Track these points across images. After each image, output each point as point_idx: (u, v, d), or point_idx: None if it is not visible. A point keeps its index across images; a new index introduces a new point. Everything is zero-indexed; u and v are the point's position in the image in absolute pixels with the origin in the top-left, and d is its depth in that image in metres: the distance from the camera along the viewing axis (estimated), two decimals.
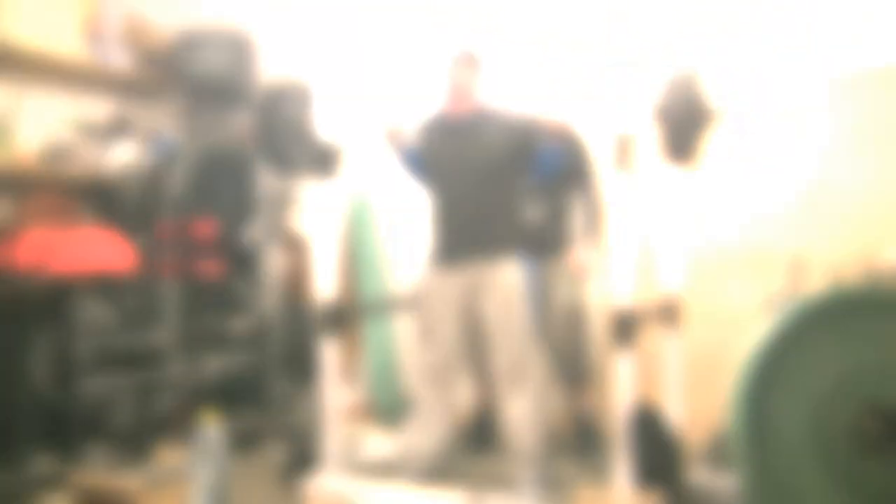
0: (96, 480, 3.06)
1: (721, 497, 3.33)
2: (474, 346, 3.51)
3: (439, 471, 3.52)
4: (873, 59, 3.92)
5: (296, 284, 5.05)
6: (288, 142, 3.74)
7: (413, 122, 3.62)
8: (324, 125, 3.52)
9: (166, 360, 4.02)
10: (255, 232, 4.69)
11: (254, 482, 3.57)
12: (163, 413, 4.12)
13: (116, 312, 4.05)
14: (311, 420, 3.56)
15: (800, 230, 4.07)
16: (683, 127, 3.12)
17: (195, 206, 4.34)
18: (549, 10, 4.54)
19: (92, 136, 4.84)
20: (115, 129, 4.76)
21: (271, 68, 5.12)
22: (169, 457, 3.31)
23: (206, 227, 3.98)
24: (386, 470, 3.60)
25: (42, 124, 4.80)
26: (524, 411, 3.30)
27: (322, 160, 3.52)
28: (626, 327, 3.05)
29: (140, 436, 3.78)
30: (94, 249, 3.78)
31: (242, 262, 4.20)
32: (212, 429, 2.73)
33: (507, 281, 3.33)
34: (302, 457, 3.54)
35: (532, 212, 3.72)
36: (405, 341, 4.73)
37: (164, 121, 5.30)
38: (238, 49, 4.95)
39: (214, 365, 4.26)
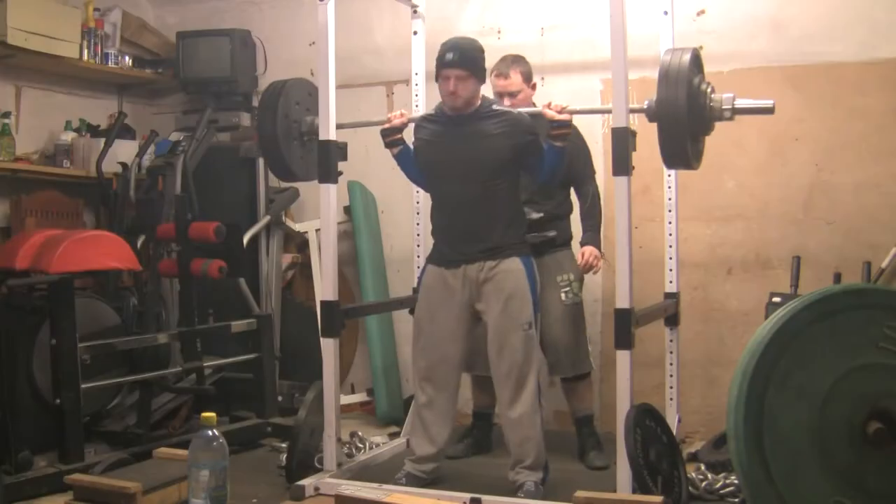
0: (96, 480, 3.05)
1: (721, 497, 3.33)
2: (475, 346, 3.51)
3: (439, 472, 3.53)
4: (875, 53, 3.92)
5: (296, 284, 5.06)
6: (290, 140, 3.74)
7: (411, 118, 3.60)
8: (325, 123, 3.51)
9: (166, 360, 4.02)
10: (255, 231, 4.69)
11: (254, 482, 3.56)
12: (163, 413, 4.12)
13: (117, 312, 4.06)
14: (311, 420, 3.56)
15: (800, 230, 4.07)
16: (681, 128, 3.09)
17: (195, 206, 4.34)
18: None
19: (92, 136, 4.84)
20: (115, 129, 4.76)
21: (271, 68, 5.14)
22: (169, 457, 3.31)
23: (206, 227, 3.98)
24: (386, 470, 3.60)
25: (42, 124, 4.81)
26: (525, 411, 3.29)
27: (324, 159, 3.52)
28: (625, 327, 3.05)
29: (140, 436, 3.78)
30: (94, 249, 3.77)
31: (242, 262, 4.19)
32: (212, 429, 2.72)
33: (509, 281, 3.31)
34: (302, 457, 3.53)
35: (533, 210, 3.72)
36: (405, 341, 4.73)
37: (164, 121, 5.31)
38: (238, 49, 4.95)
39: (214, 365, 4.26)
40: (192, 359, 4.03)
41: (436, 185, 3.48)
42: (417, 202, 4.14)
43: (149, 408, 3.89)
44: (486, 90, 3.49)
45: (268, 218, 4.79)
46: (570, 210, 3.95)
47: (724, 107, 3.14)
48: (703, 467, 3.49)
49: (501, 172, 3.32)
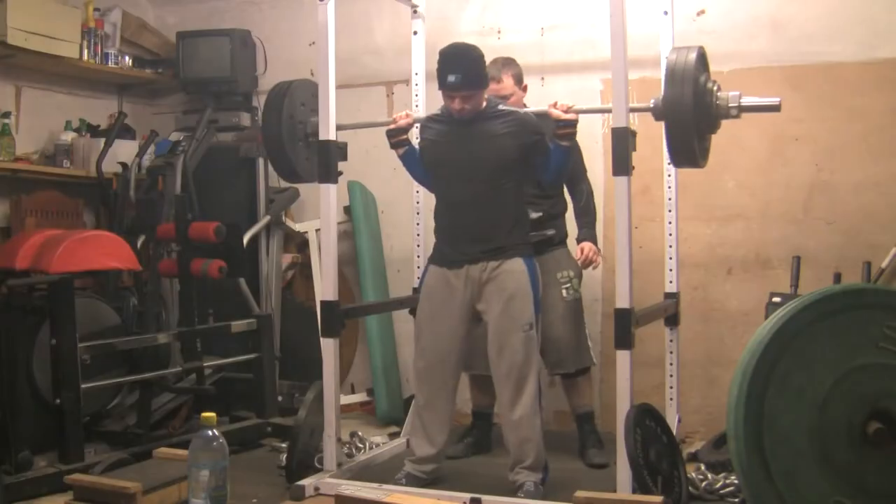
0: (96, 480, 3.05)
1: (721, 497, 3.33)
2: (474, 346, 3.51)
3: (439, 472, 3.53)
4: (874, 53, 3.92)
5: (296, 284, 5.06)
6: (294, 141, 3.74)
7: (417, 118, 3.59)
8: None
9: (166, 360, 4.02)
10: (255, 231, 4.69)
11: (254, 482, 3.56)
12: (163, 413, 4.12)
13: (117, 312, 4.06)
14: (311, 420, 3.56)
15: (800, 230, 4.07)
16: (688, 127, 3.08)
17: (195, 206, 4.34)
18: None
19: (92, 136, 4.84)
20: (115, 129, 4.76)
21: (271, 68, 5.14)
22: (169, 457, 3.31)
23: (206, 227, 3.98)
24: (386, 470, 3.61)
25: (42, 124, 4.81)
26: (525, 412, 3.28)
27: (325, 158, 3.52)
28: (625, 327, 3.04)
29: (140, 436, 3.78)
30: (94, 249, 3.77)
31: (242, 262, 4.19)
32: (212, 429, 2.72)
33: (511, 281, 3.31)
34: (302, 457, 3.54)
35: (532, 209, 3.73)
36: (405, 341, 4.73)
37: (164, 121, 5.31)
38: (238, 49, 4.95)
39: (214, 365, 4.26)
40: (192, 359, 4.03)
41: (441, 185, 3.47)
42: (417, 202, 4.14)
43: (149, 408, 3.89)
44: None
45: (268, 218, 4.79)
46: (565, 209, 3.97)
47: (730, 105, 3.13)
48: (703, 467, 3.49)
49: (507, 172, 3.31)
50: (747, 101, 3.14)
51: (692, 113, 3.05)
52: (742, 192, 4.17)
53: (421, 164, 3.53)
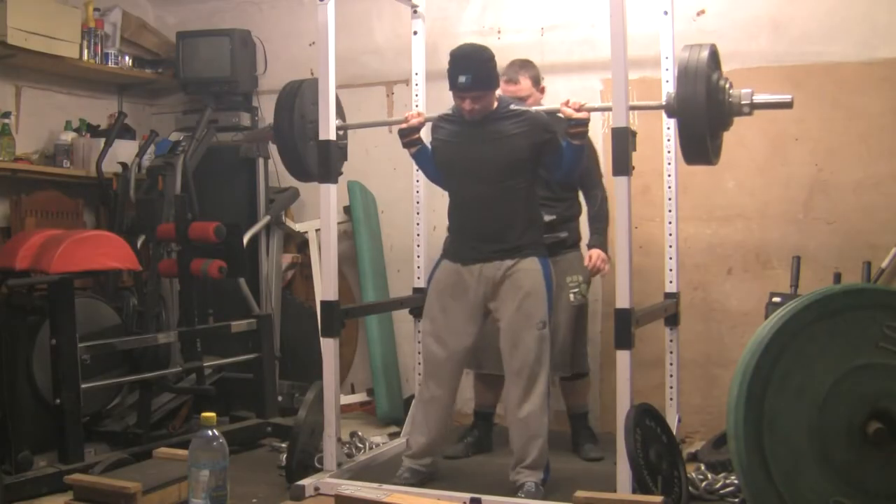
0: (96, 480, 3.05)
1: (721, 497, 3.33)
2: (482, 343, 3.52)
3: (437, 467, 3.53)
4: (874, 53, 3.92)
5: (296, 284, 5.05)
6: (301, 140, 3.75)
7: (429, 117, 3.58)
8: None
9: (166, 360, 4.02)
10: (255, 231, 4.69)
11: (254, 482, 3.56)
12: (163, 413, 4.12)
13: (117, 312, 4.06)
14: (311, 420, 3.56)
15: (800, 230, 4.07)
16: (701, 124, 3.08)
17: (195, 206, 4.34)
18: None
19: (92, 136, 4.84)
20: (115, 129, 4.76)
21: (271, 68, 5.14)
22: (169, 457, 3.31)
23: (206, 227, 3.98)
24: (386, 470, 3.61)
25: (42, 124, 4.81)
26: (533, 410, 3.28)
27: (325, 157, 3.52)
28: (625, 327, 3.04)
29: (140, 436, 3.78)
30: (94, 249, 3.77)
31: (242, 262, 4.19)
32: (212, 429, 2.72)
33: (527, 280, 3.31)
34: (302, 457, 3.54)
35: (545, 212, 3.75)
36: (405, 341, 4.74)
37: (164, 121, 5.31)
38: (238, 49, 4.95)
39: (214, 365, 4.26)
40: (192, 359, 4.03)
41: (454, 184, 3.47)
42: (417, 202, 4.14)
43: (149, 408, 3.89)
44: None
45: (268, 218, 4.79)
46: (579, 212, 3.98)
47: (742, 102, 3.14)
48: (703, 467, 3.49)
49: (520, 172, 3.31)
50: (759, 98, 3.15)
51: (705, 110, 3.06)
52: (742, 192, 4.17)
53: (433, 163, 3.53)
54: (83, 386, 3.54)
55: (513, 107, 3.36)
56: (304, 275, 5.06)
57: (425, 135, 3.59)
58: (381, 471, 3.61)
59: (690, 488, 3.27)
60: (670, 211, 3.82)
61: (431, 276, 3.55)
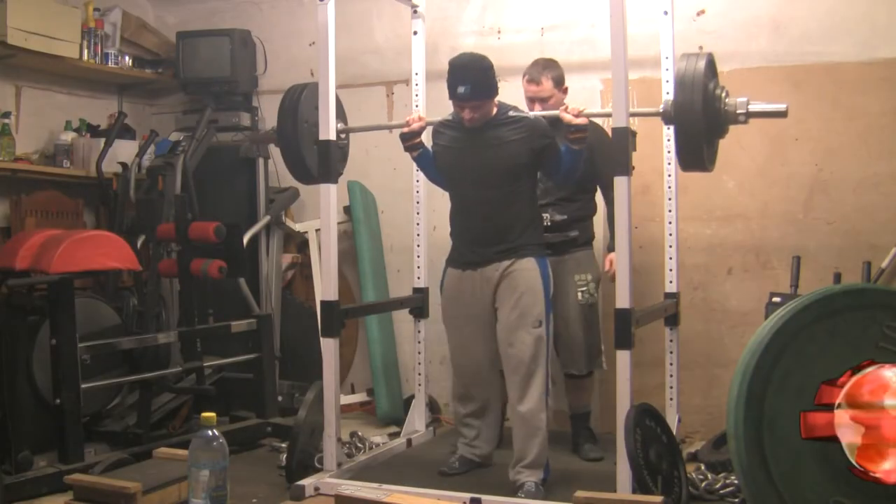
0: (96, 480, 3.05)
1: (721, 497, 3.33)
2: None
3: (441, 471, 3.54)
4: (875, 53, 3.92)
5: (296, 284, 5.05)
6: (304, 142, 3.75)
7: (430, 121, 3.60)
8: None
9: (166, 360, 4.02)
10: (255, 231, 4.69)
11: (254, 482, 3.56)
12: (163, 413, 4.12)
13: (117, 312, 4.05)
14: (311, 420, 3.56)
15: (800, 230, 4.07)
16: (698, 132, 3.11)
17: (195, 206, 4.34)
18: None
19: (92, 136, 4.84)
20: (115, 129, 4.76)
21: (271, 68, 5.14)
22: (169, 457, 3.31)
23: (206, 227, 3.98)
24: (386, 470, 3.60)
25: (42, 124, 4.81)
26: (531, 406, 3.32)
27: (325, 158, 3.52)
28: (625, 327, 3.05)
29: (140, 436, 3.78)
30: (94, 249, 3.77)
31: (242, 262, 4.19)
32: (212, 429, 2.72)
33: (523, 279, 3.36)
34: (302, 457, 3.53)
35: (556, 212, 3.77)
36: (405, 341, 4.73)
37: (164, 121, 5.31)
38: (238, 49, 4.94)
39: (214, 365, 4.26)
40: (192, 359, 4.03)
41: (455, 189, 3.53)
42: (417, 202, 4.14)
43: (149, 408, 3.89)
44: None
45: (268, 218, 4.79)
46: (594, 212, 3.98)
47: (738, 111, 3.18)
48: (703, 467, 3.49)
49: (519, 177, 3.37)
50: (755, 107, 3.18)
51: (702, 119, 3.10)
52: (742, 192, 4.17)
53: (434, 166, 3.57)
54: (83, 386, 3.54)
55: (511, 113, 3.40)
56: (304, 275, 5.06)
57: (426, 138, 3.60)
58: (381, 471, 3.61)
59: (690, 488, 3.27)
60: (670, 211, 3.82)
61: (442, 283, 3.60)
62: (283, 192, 4.89)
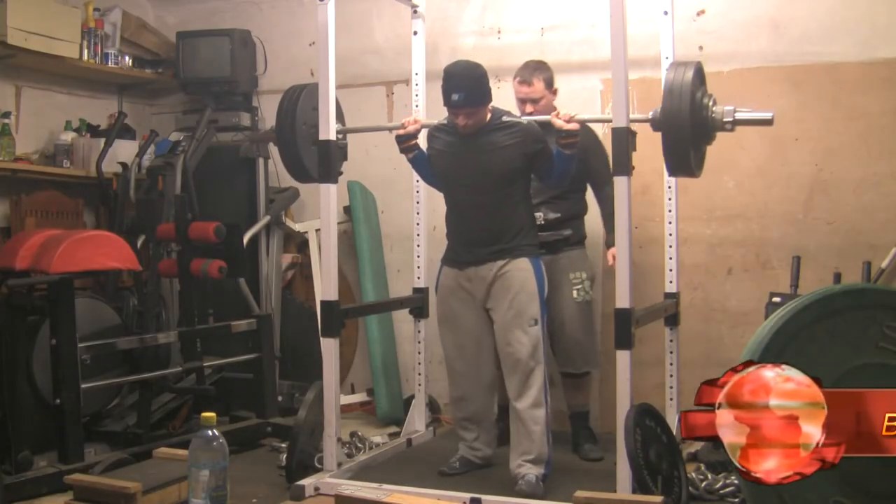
0: (96, 480, 3.05)
1: (721, 497, 3.33)
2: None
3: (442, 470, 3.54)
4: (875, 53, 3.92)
5: (296, 284, 5.05)
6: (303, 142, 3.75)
7: (425, 124, 3.62)
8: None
9: (166, 360, 4.02)
10: (255, 231, 4.69)
11: (254, 482, 3.56)
12: (163, 413, 4.12)
13: (117, 312, 4.05)
14: (311, 420, 3.56)
15: (800, 230, 4.07)
16: (684, 139, 3.14)
17: (195, 206, 4.34)
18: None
19: (92, 136, 4.84)
20: (115, 129, 4.76)
21: (271, 68, 5.14)
22: (169, 457, 3.31)
23: (206, 227, 3.98)
24: (386, 470, 3.60)
25: (42, 124, 4.81)
26: (530, 404, 3.34)
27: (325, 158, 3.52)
28: (625, 327, 3.05)
29: (140, 436, 3.78)
30: (94, 249, 3.77)
31: (242, 262, 4.19)
32: (212, 429, 2.72)
33: (517, 279, 3.38)
34: (302, 457, 3.53)
35: (550, 210, 3.79)
36: (405, 341, 4.73)
37: (164, 121, 5.31)
38: (238, 49, 4.94)
39: (214, 365, 4.26)
40: (192, 359, 4.03)
41: (450, 192, 3.57)
42: (417, 202, 4.14)
43: (149, 408, 3.89)
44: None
45: (268, 218, 4.79)
46: (585, 210, 4.01)
47: (724, 119, 3.21)
48: (703, 467, 3.49)
49: (513, 181, 3.41)
50: (741, 115, 3.22)
51: (689, 127, 3.13)
52: (742, 193, 4.17)
53: (430, 168, 3.60)
54: (83, 386, 3.54)
55: (505, 118, 3.44)
56: (304, 275, 5.05)
57: (421, 141, 3.62)
58: (381, 471, 3.61)
59: (690, 488, 3.27)
60: (670, 211, 3.83)
61: (437, 283, 3.61)
62: (283, 192, 4.89)
